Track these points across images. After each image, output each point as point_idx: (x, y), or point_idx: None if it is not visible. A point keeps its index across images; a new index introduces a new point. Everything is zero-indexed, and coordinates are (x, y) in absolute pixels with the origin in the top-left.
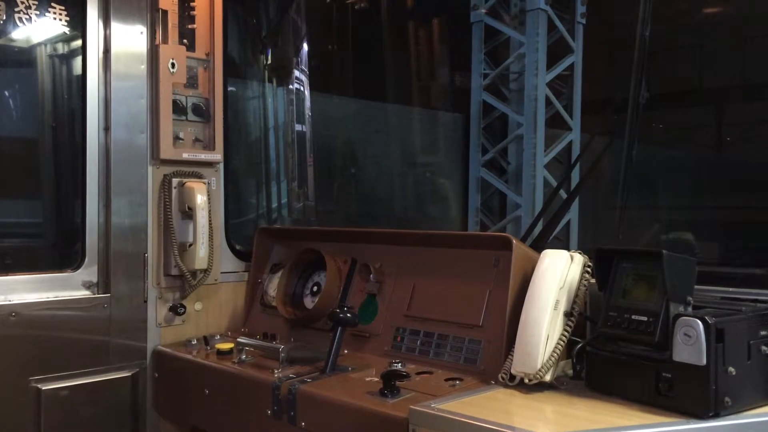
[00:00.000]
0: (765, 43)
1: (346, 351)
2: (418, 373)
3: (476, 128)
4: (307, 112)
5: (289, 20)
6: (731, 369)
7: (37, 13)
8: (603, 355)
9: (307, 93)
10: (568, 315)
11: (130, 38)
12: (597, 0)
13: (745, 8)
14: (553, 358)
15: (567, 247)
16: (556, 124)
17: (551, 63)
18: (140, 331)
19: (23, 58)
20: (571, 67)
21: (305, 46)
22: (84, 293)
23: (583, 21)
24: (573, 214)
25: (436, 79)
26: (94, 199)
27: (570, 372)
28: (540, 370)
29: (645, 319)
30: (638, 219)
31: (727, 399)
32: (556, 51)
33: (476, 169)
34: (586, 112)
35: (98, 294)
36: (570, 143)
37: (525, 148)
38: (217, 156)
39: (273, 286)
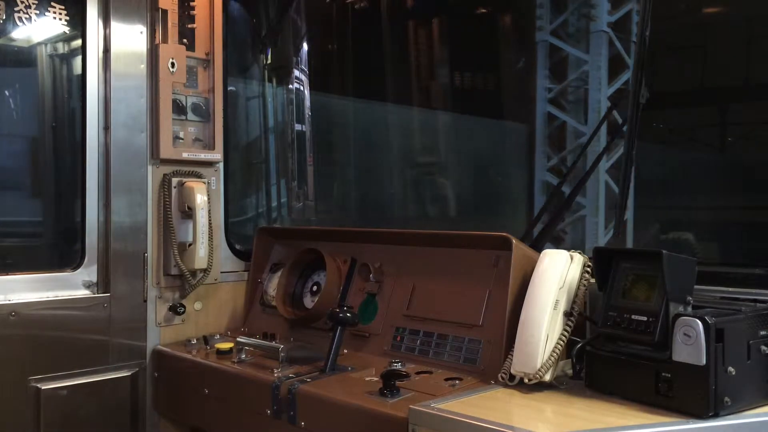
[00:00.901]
0: None
1: (345, 351)
2: (418, 373)
3: (541, 136)
4: (307, 111)
5: (289, 20)
6: (731, 369)
7: (37, 12)
8: (603, 355)
9: (307, 93)
10: (567, 315)
11: (130, 38)
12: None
13: None
14: (552, 358)
15: (626, 243)
16: (610, 132)
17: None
18: (140, 330)
19: (23, 57)
20: (626, 82)
21: (305, 46)
22: (84, 293)
23: (638, 40)
24: (629, 213)
25: (506, 93)
26: (94, 198)
27: (570, 372)
28: (540, 370)
29: (645, 318)
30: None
31: (726, 399)
32: (609, 67)
33: (542, 173)
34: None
35: (98, 293)
36: None
37: (589, 155)
38: (217, 155)
39: (273, 286)
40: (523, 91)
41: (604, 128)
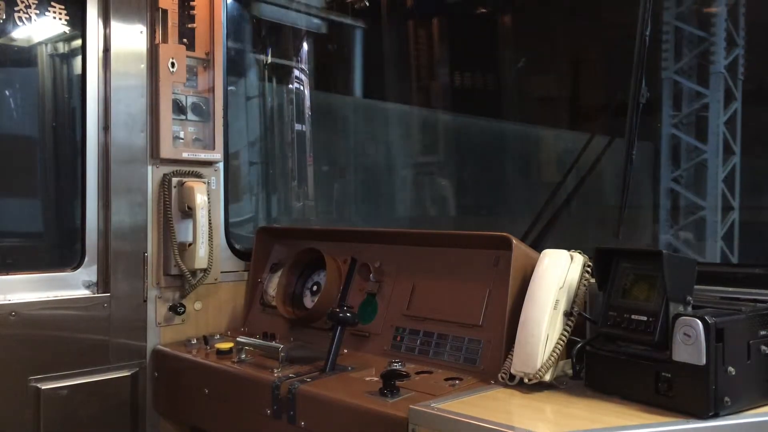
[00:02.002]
0: None
1: (345, 350)
2: (418, 373)
3: (667, 152)
4: (307, 111)
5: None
6: (731, 369)
7: (37, 12)
8: (602, 355)
9: (307, 92)
10: (567, 315)
11: (130, 37)
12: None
13: None
14: (552, 358)
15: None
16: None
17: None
18: (140, 330)
19: (23, 57)
20: (735, 110)
21: (305, 46)
22: (84, 293)
23: (742, 78)
24: (735, 216)
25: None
26: (94, 198)
27: (570, 372)
28: (540, 370)
29: (645, 318)
30: None
31: (726, 399)
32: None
33: (667, 181)
34: None
35: (98, 293)
36: (734, 164)
37: (709, 168)
38: (217, 155)
39: (273, 286)
40: (651, 116)
41: (721, 148)
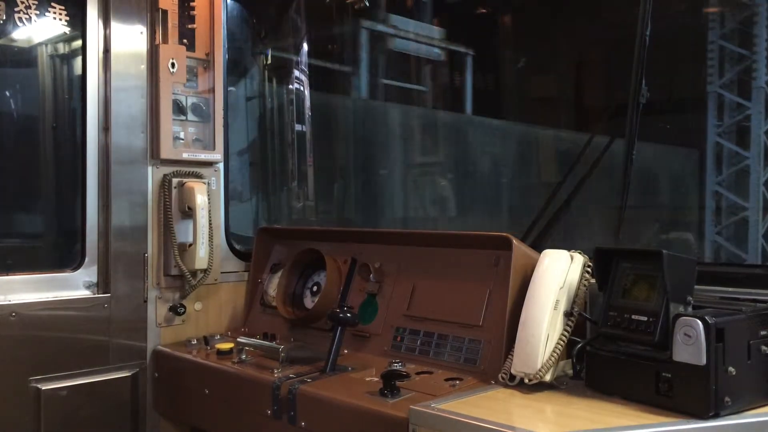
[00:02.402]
0: None
1: (346, 351)
2: (418, 373)
3: (712, 159)
4: (307, 112)
5: (289, 20)
6: (731, 369)
7: (37, 12)
8: (603, 355)
9: (307, 93)
10: (568, 315)
11: (130, 38)
12: None
13: None
14: (553, 358)
15: None
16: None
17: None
18: (140, 331)
19: (23, 57)
20: None
21: (305, 46)
22: (84, 293)
23: None
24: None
25: (685, 127)
26: (94, 198)
27: (570, 372)
28: (540, 370)
29: (645, 318)
30: None
31: (727, 399)
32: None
33: (712, 184)
34: None
35: (98, 294)
36: None
37: (751, 172)
38: (217, 156)
39: (273, 286)
40: (696, 126)
41: (762, 151)
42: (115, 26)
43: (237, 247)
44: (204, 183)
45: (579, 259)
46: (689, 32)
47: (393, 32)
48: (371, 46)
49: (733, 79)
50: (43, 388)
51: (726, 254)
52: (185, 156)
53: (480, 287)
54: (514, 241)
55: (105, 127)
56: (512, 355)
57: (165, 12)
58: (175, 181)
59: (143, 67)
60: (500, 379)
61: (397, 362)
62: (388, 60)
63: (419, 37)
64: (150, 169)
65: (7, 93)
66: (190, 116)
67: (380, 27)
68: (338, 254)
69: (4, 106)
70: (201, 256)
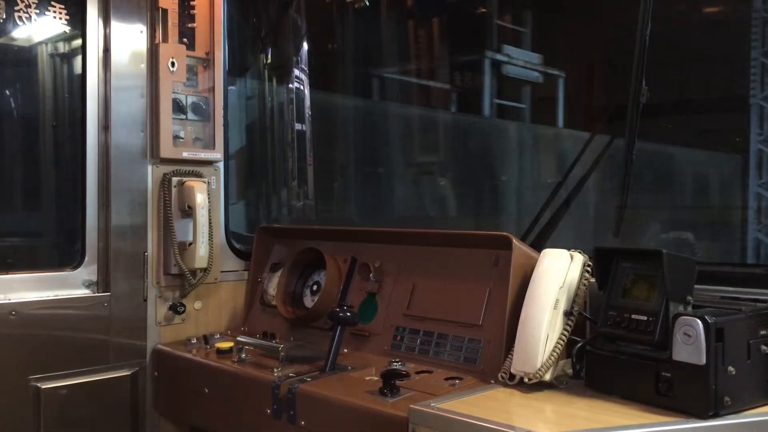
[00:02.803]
0: None
1: (345, 350)
2: (418, 373)
3: (754, 164)
4: (307, 111)
5: (289, 19)
6: (731, 368)
7: (37, 12)
8: (603, 355)
9: (307, 92)
10: (567, 314)
11: (130, 37)
12: None
13: None
14: (552, 358)
15: None
16: None
17: None
18: (140, 330)
19: (23, 57)
20: None
21: (305, 45)
22: (84, 292)
23: None
24: None
25: (729, 134)
26: (94, 197)
27: (570, 371)
28: (540, 370)
29: (645, 318)
30: None
31: (726, 398)
32: None
33: (754, 187)
34: None
35: (98, 293)
36: None
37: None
38: (217, 155)
39: (273, 285)
40: (740, 134)
41: None
42: (115, 25)
43: (237, 246)
44: (204, 182)
45: (579, 258)
46: (734, 54)
47: (506, 59)
48: (492, 73)
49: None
50: (43, 387)
51: (766, 249)
52: (185, 155)
53: (480, 287)
54: (514, 241)
55: (105, 126)
56: (512, 355)
57: (165, 11)
58: (175, 180)
59: (143, 66)
60: (500, 378)
61: (397, 361)
62: (501, 83)
63: (526, 63)
64: (150, 168)
65: (7, 92)
66: (190, 115)
67: (498, 56)
68: (338, 253)
69: (4, 105)
70: (201, 255)
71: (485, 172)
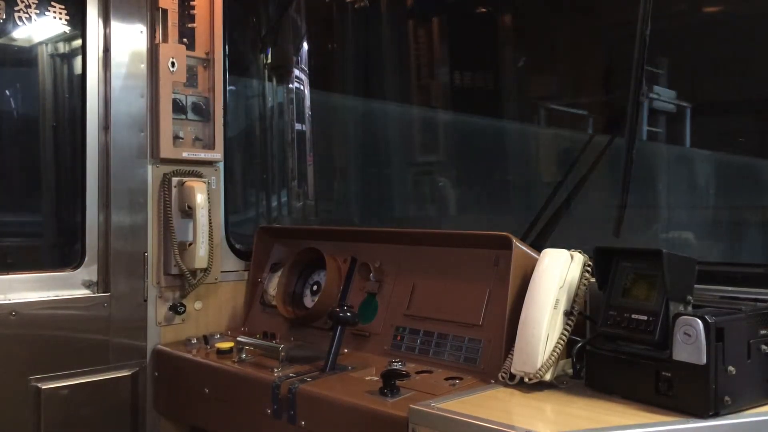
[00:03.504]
0: None
1: (345, 350)
2: (418, 373)
3: None
4: (307, 111)
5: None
6: (731, 368)
7: (37, 12)
8: (603, 355)
9: (307, 92)
10: (568, 314)
11: (130, 37)
12: None
13: None
14: (552, 358)
15: None
16: None
17: None
18: (140, 330)
19: (23, 57)
20: None
21: (305, 45)
22: (84, 292)
23: None
24: None
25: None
26: (94, 198)
27: (570, 371)
28: (540, 370)
29: (645, 318)
30: None
31: (726, 398)
32: None
33: None
34: None
35: (98, 293)
36: None
37: None
38: (217, 155)
39: (273, 285)
40: None
41: None
42: (115, 25)
43: (237, 246)
44: (204, 182)
45: (579, 258)
46: None
47: (656, 96)
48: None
49: None
50: (43, 387)
51: None
52: (185, 155)
53: (480, 287)
54: (514, 241)
55: (105, 126)
56: (512, 355)
57: (165, 11)
58: (175, 180)
59: (143, 66)
60: (500, 378)
61: (397, 361)
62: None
63: (667, 98)
64: (150, 168)
65: (7, 92)
66: (190, 115)
67: (652, 95)
68: (338, 253)
69: (5, 105)
70: (201, 255)
71: (650, 192)
